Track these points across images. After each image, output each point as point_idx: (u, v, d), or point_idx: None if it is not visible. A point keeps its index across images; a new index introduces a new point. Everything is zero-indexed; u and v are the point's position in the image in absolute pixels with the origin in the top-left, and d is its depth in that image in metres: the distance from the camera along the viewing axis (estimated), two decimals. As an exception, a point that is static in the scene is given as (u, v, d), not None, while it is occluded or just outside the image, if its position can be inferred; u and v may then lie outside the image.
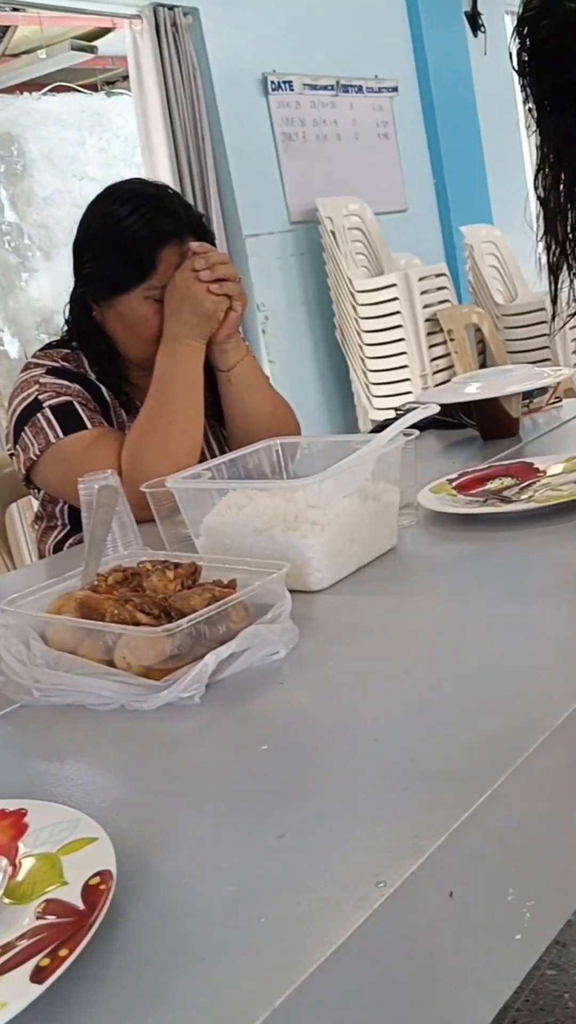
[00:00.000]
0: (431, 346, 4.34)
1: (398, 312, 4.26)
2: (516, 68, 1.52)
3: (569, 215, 1.63)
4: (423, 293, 4.29)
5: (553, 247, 1.67)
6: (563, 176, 1.60)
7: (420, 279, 4.30)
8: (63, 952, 0.47)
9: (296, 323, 4.57)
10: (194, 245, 1.47)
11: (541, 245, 1.68)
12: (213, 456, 1.55)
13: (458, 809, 0.56)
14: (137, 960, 0.49)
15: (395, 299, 4.24)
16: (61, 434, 1.45)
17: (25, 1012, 0.45)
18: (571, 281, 1.71)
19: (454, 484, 1.26)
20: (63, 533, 1.59)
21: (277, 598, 0.87)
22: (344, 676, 0.80)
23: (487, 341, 4.55)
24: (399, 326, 4.28)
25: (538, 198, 1.65)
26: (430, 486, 1.26)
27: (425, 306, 4.30)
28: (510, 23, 5.99)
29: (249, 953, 0.48)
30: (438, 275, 4.47)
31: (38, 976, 0.46)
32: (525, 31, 1.47)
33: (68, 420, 1.46)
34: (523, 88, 1.56)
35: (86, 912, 0.50)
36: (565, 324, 1.81)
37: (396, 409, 1.78)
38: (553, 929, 0.64)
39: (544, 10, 1.44)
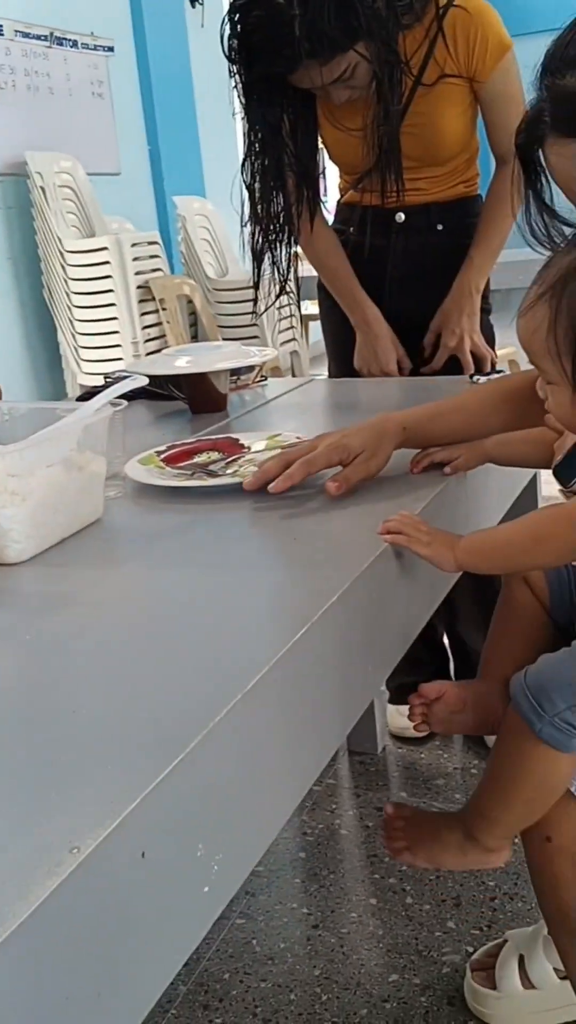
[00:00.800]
0: (143, 314, 4.33)
1: (109, 276, 4.20)
2: (226, 54, 1.56)
3: (272, 203, 1.70)
4: (135, 260, 4.26)
5: (257, 233, 1.73)
6: (268, 165, 1.67)
7: (133, 245, 4.26)
8: None
9: (0, 280, 4.37)
10: None
11: (247, 230, 1.74)
12: None
13: (152, 773, 0.58)
14: None
15: (107, 263, 4.18)
16: None
17: None
18: (273, 266, 1.79)
19: (162, 456, 1.28)
20: None
21: (-25, 569, 0.85)
22: (45, 648, 0.80)
23: (199, 313, 4.61)
24: (110, 291, 4.22)
25: (244, 184, 1.70)
26: (138, 457, 1.27)
27: (137, 273, 4.27)
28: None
29: None
30: (151, 243, 4.45)
31: None
32: (236, 19, 1.51)
33: None
34: (231, 75, 1.60)
35: None
36: (268, 307, 1.89)
37: (106, 376, 1.76)
38: (238, 879, 0.68)
39: (254, 1, 1.48)
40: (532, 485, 1.68)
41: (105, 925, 0.55)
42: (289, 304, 4.72)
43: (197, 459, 1.29)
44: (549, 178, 1.00)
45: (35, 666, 0.77)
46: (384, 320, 1.84)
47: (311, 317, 5.27)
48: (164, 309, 4.40)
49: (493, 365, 1.86)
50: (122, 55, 5.09)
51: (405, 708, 2.05)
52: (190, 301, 4.57)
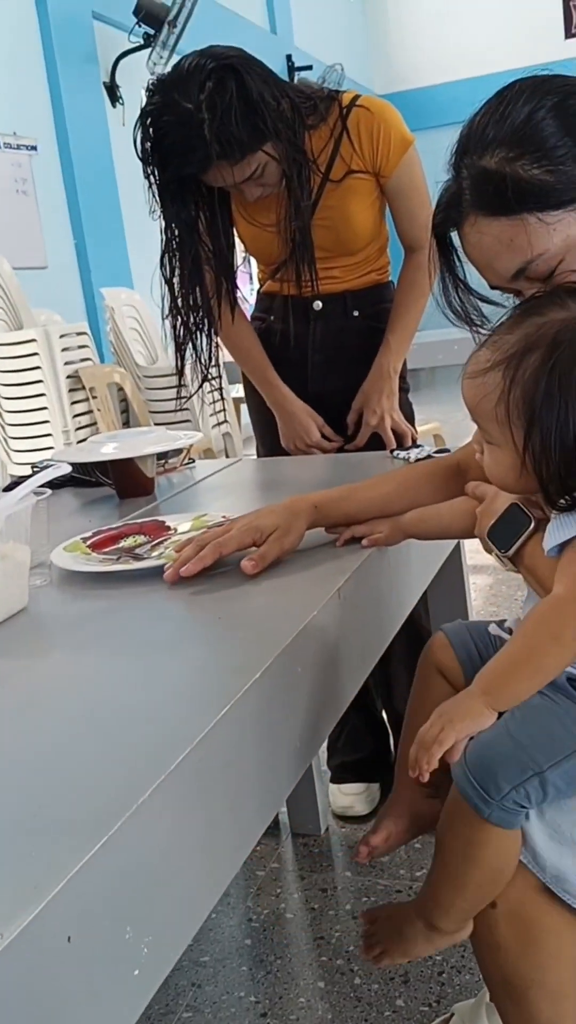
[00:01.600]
0: (74, 402, 4.36)
1: (38, 367, 4.23)
2: (140, 157, 1.62)
3: (191, 296, 1.76)
4: (64, 350, 4.31)
5: (178, 325, 1.79)
6: (185, 261, 1.73)
7: (61, 336, 4.31)
8: None
9: None
10: None
11: (167, 322, 1.79)
12: None
13: (77, 855, 0.58)
14: None
15: (35, 354, 4.22)
16: None
17: None
18: (195, 356, 1.84)
19: (88, 542, 1.29)
20: None
21: None
22: (-32, 738, 0.80)
23: (129, 400, 4.65)
24: (39, 381, 4.25)
25: (164, 279, 1.76)
26: (64, 545, 1.28)
27: (67, 363, 4.31)
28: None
29: None
30: (79, 333, 4.51)
31: None
32: (148, 123, 1.58)
33: None
34: (146, 176, 1.66)
35: None
36: (192, 394, 1.93)
37: (33, 466, 1.78)
38: (170, 961, 0.68)
39: (164, 106, 1.56)
40: (456, 553, 1.73)
41: (32, 1014, 0.54)
42: (216, 389, 4.81)
43: (123, 543, 1.31)
44: (462, 258, 1.05)
45: (-40, 757, 0.77)
46: (296, 397, 1.90)
47: (241, 400, 5.35)
48: (95, 397, 4.44)
49: (414, 440, 1.93)
50: (45, 153, 5.23)
51: (347, 787, 2.07)
52: (120, 388, 4.61)
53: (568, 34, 9.80)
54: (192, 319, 1.78)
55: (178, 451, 1.98)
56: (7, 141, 4.93)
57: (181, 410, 4.70)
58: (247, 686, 0.81)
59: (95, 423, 4.48)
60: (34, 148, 5.12)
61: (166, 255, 1.76)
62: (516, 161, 0.93)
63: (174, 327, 1.81)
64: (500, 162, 0.94)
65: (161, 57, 5.85)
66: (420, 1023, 1.46)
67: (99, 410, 4.48)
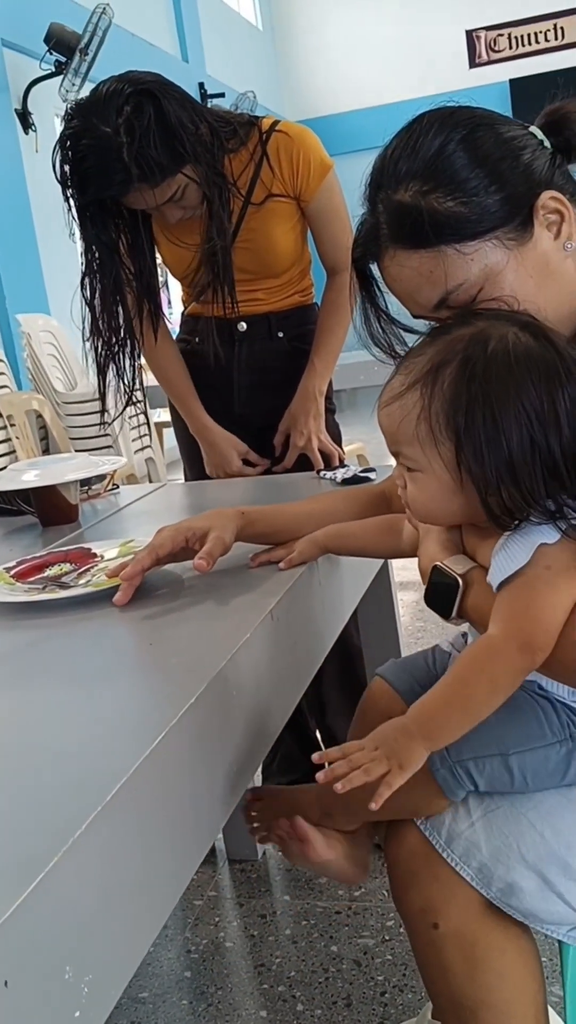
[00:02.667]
0: (-9, 432, 4.28)
1: (-45, 397, 4.15)
2: (59, 180, 1.61)
3: (113, 318, 1.74)
4: (-19, 379, 4.23)
5: (100, 347, 1.77)
6: (106, 282, 1.72)
7: (-23, 365, 4.24)
8: None
9: None
10: None
11: (88, 344, 1.77)
12: None
13: (10, 897, 0.56)
14: None
15: (-49, 384, 4.13)
16: None
17: None
18: (119, 378, 1.82)
19: (12, 572, 1.27)
20: None
21: None
22: None
23: (49, 427, 4.59)
24: (-44, 411, 4.16)
25: (84, 301, 1.75)
26: (-14, 576, 1.25)
27: (-17, 392, 4.24)
28: (60, 125, 6.25)
29: None
30: (-4, 361, 4.44)
31: None
32: (67, 146, 1.57)
33: None
34: (66, 198, 1.65)
35: None
36: (116, 417, 1.91)
37: (-49, 498, 1.73)
38: (111, 999, 0.66)
39: (83, 130, 1.55)
40: (384, 570, 1.74)
41: (-32, 1067, 0.52)
42: (138, 414, 4.78)
43: (48, 572, 1.28)
44: (383, 289, 1.05)
45: None
46: (217, 426, 1.89)
47: (164, 424, 5.33)
48: (12, 425, 4.36)
49: (341, 460, 1.94)
50: (-43, 180, 5.15)
51: (282, 809, 2.05)
52: (39, 416, 4.55)
53: (472, 64, 10.08)
54: (115, 340, 1.77)
55: (101, 477, 1.96)
56: None
57: (102, 435, 4.66)
58: (180, 713, 0.80)
59: (13, 451, 4.41)
60: (-55, 174, 5.04)
61: (86, 277, 1.75)
62: (430, 194, 0.94)
63: (95, 349, 1.79)
64: (414, 196, 0.94)
65: (73, 84, 5.82)
66: (365, 1046, 1.45)
67: (17, 438, 4.41)
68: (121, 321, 1.76)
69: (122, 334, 1.78)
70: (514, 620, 0.86)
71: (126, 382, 1.83)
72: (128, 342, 1.79)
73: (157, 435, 5.27)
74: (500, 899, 0.97)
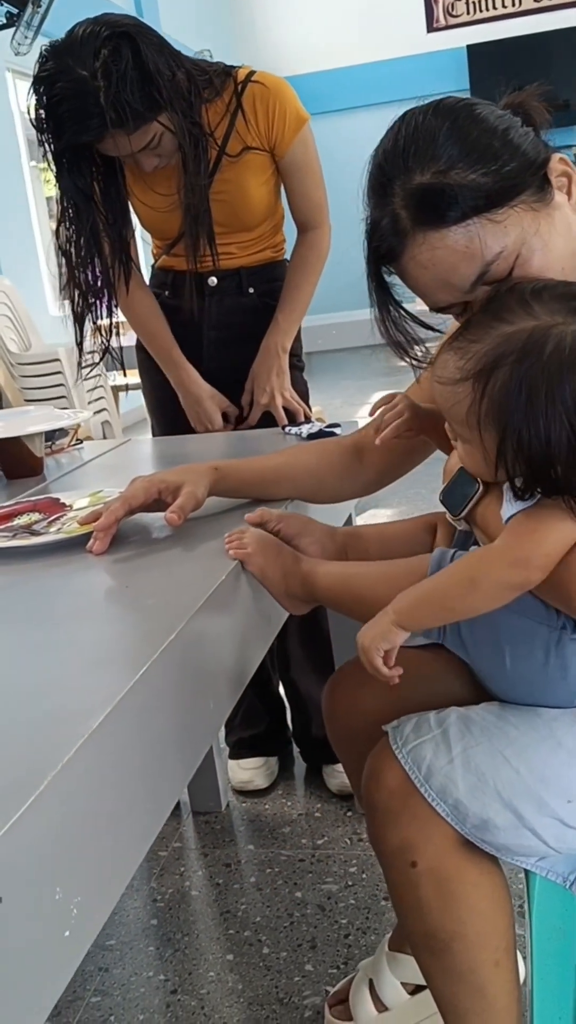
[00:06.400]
0: (-55, 392, 4.21)
1: None
2: (34, 124, 1.58)
3: (89, 267, 1.72)
4: None
5: (76, 297, 1.75)
6: (82, 229, 1.69)
7: None
8: None
9: None
10: None
11: (64, 294, 1.75)
12: None
13: (4, 817, 0.57)
14: None
15: None
16: None
17: None
18: (95, 327, 1.80)
19: (-20, 521, 1.26)
20: None
21: None
22: None
23: (2, 389, 4.53)
24: None
25: (60, 250, 1.72)
26: (-45, 524, 1.24)
27: None
28: (11, 80, 6.09)
29: None
30: (-51, 321, 4.36)
31: None
32: (42, 89, 1.54)
33: None
34: (40, 144, 1.62)
35: None
36: (98, 363, 1.89)
37: None
38: (98, 923, 0.67)
39: (59, 73, 1.52)
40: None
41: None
42: (98, 375, 4.73)
43: (18, 521, 1.28)
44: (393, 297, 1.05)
45: None
46: (201, 379, 1.88)
47: (120, 388, 5.28)
48: (-33, 386, 4.30)
49: (307, 417, 1.94)
50: None
51: (246, 762, 2.08)
52: (-7, 377, 4.49)
53: (430, 28, 10.00)
54: (91, 289, 1.75)
55: (64, 433, 1.94)
56: None
57: (59, 398, 4.61)
58: (161, 649, 0.81)
59: (-32, 413, 4.35)
60: None
61: (61, 225, 1.72)
62: (451, 170, 0.94)
63: (72, 300, 1.77)
64: (435, 175, 0.94)
65: (26, 37, 5.67)
66: (330, 984, 1.48)
67: (-28, 399, 4.35)
68: (98, 272, 1.74)
69: (99, 284, 1.75)
70: (516, 537, 0.90)
71: (103, 334, 1.81)
72: (104, 292, 1.77)
73: (112, 397, 5.22)
74: (474, 834, 0.99)
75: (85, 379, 1.94)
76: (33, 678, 0.81)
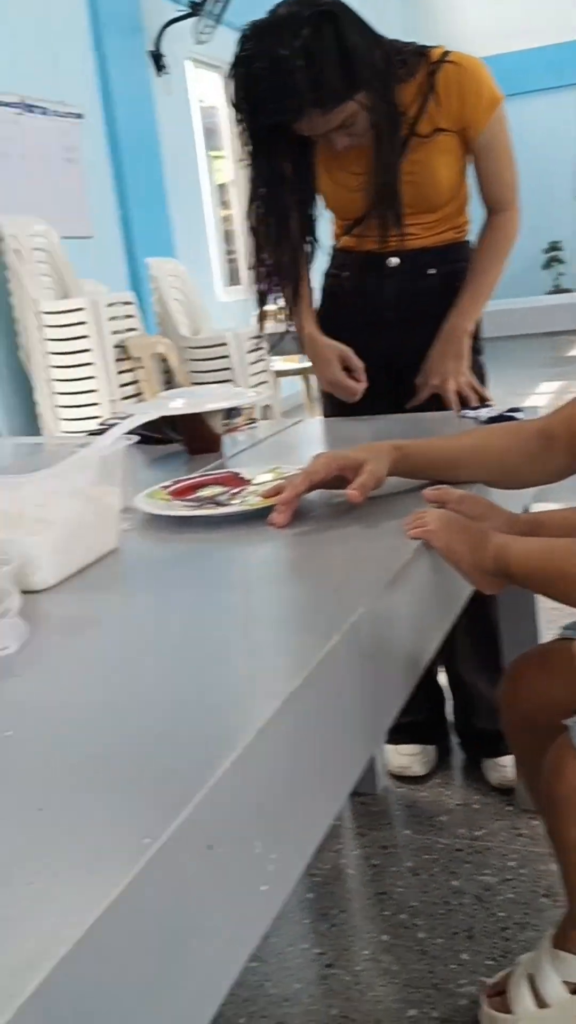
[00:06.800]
0: (119, 372, 4.38)
1: (87, 336, 4.25)
2: (233, 103, 1.61)
3: (277, 248, 1.76)
4: (111, 319, 4.32)
5: (263, 274, 1.78)
6: (272, 209, 1.72)
7: (109, 305, 4.33)
8: None
9: (-23, 342, 4.41)
10: None
11: (252, 274, 1.79)
12: None
13: (210, 768, 0.59)
14: None
15: (84, 323, 4.23)
16: None
17: None
18: (276, 311, 1.83)
19: (168, 491, 1.30)
20: None
21: (4, 595, 0.86)
22: (78, 667, 0.81)
23: (173, 371, 4.66)
24: (88, 350, 4.27)
25: (250, 229, 1.76)
26: (145, 492, 1.29)
27: (113, 332, 4.33)
28: (191, 68, 6.23)
29: (21, 918, 0.48)
30: (126, 303, 4.52)
31: None
32: (241, 70, 1.57)
33: None
34: (239, 122, 1.65)
35: None
36: (281, 338, 1.91)
37: (101, 423, 1.79)
38: (291, 879, 0.69)
39: (259, 53, 1.55)
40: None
41: (174, 922, 0.55)
42: (263, 359, 4.80)
43: (202, 492, 1.31)
44: None
45: (72, 682, 0.78)
46: (321, 335, 1.87)
47: (282, 373, 5.35)
48: (141, 367, 4.45)
49: (483, 401, 1.90)
50: (91, 121, 5.22)
51: (403, 748, 2.07)
52: (164, 359, 4.63)
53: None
54: (279, 267, 1.78)
55: (239, 412, 1.98)
56: (54, 109, 4.92)
57: (225, 381, 4.71)
58: (353, 619, 0.82)
59: (139, 393, 4.50)
60: (80, 116, 5.11)
61: (252, 204, 1.75)
62: None
63: (258, 276, 1.80)
64: None
65: (208, 26, 5.80)
66: (486, 975, 1.47)
67: (144, 380, 4.50)
68: (284, 249, 1.77)
69: (286, 261, 1.78)
70: None
71: (288, 309, 1.84)
72: (291, 272, 1.79)
73: (274, 382, 5.30)
74: None
75: (263, 358, 1.97)
76: (223, 640, 0.84)
